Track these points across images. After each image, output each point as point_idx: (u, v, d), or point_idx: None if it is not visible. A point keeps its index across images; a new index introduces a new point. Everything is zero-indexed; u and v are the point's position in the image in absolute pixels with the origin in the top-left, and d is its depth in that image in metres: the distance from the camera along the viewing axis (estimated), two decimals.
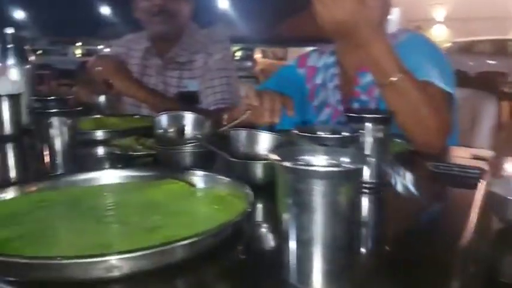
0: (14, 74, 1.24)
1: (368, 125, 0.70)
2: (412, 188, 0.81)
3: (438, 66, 1.10)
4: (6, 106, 1.15)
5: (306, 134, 0.55)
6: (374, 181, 0.72)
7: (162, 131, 0.84)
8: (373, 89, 1.16)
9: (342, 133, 0.56)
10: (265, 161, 0.71)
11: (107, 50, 1.80)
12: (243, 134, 0.75)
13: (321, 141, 0.54)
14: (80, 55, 21.02)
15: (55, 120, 0.76)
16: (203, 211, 0.63)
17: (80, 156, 0.87)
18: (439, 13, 10.10)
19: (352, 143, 0.55)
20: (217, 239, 0.49)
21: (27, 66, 1.28)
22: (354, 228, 0.40)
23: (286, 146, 0.69)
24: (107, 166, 0.93)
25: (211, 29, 1.67)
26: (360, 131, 0.57)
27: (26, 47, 1.30)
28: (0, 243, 0.48)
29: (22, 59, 1.26)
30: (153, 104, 1.43)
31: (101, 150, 1.08)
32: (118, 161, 0.98)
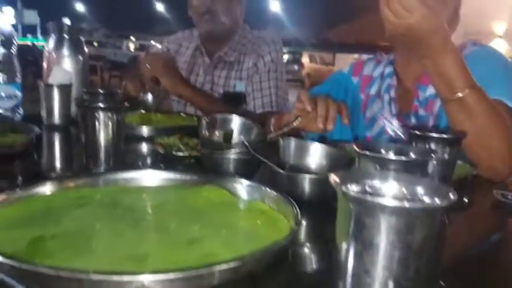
0: (68, 64, 1.26)
1: (435, 145, 0.63)
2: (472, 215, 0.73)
3: (510, 84, 1.00)
4: (56, 96, 1.16)
5: (368, 154, 0.49)
6: None
7: (208, 133, 0.80)
8: (433, 103, 1.08)
9: (411, 155, 0.50)
10: (315, 176, 0.65)
11: (159, 46, 1.80)
12: (292, 143, 0.70)
13: (385, 163, 0.47)
14: (133, 49, 21.79)
15: (101, 115, 0.75)
16: (245, 225, 0.58)
17: (124, 153, 0.85)
18: (499, 27, 9.57)
19: (422, 167, 0.48)
20: (261, 264, 0.44)
21: (81, 58, 1.29)
22: (423, 273, 0.33)
23: (342, 161, 0.63)
24: (149, 165, 0.91)
25: (264, 31, 1.64)
26: (433, 154, 0.50)
27: (82, 39, 1.31)
28: (32, 242, 0.46)
29: (77, 50, 1.28)
30: (199, 103, 1.41)
31: (144, 147, 1.07)
32: (160, 160, 0.96)
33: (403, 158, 0.46)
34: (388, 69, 1.18)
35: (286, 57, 19.78)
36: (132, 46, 22.96)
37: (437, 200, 0.32)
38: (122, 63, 12.97)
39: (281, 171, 0.68)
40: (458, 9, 1.10)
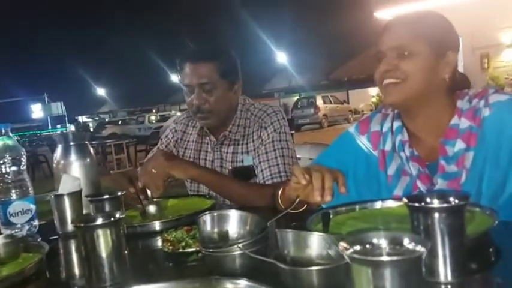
0: (76, 170, 1.29)
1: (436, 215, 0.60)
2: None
3: None
4: (67, 204, 1.19)
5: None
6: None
7: (206, 232, 0.79)
8: (464, 158, 1.01)
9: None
10: (320, 267, 0.62)
11: (178, 114, 1.83)
12: (290, 235, 0.67)
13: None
14: (154, 121, 22.68)
15: (99, 233, 0.75)
16: None
17: (128, 261, 0.84)
18: (507, 37, 9.48)
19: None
20: None
21: (88, 161, 1.33)
22: None
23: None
24: (155, 270, 0.90)
25: (265, 102, 1.66)
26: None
27: (86, 143, 1.36)
28: None
29: (83, 155, 1.32)
30: (212, 182, 1.41)
31: (151, 245, 1.06)
32: (168, 259, 0.94)
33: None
34: (397, 124, 1.13)
35: (300, 102, 20.06)
36: (153, 118, 23.92)
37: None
38: (146, 137, 13.44)
39: (284, 266, 0.65)
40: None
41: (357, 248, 0.45)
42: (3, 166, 1.21)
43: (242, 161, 1.54)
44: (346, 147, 1.22)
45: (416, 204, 0.61)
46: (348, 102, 22.54)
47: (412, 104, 1.06)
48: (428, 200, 0.64)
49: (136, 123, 23.35)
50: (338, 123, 18.91)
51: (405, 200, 0.62)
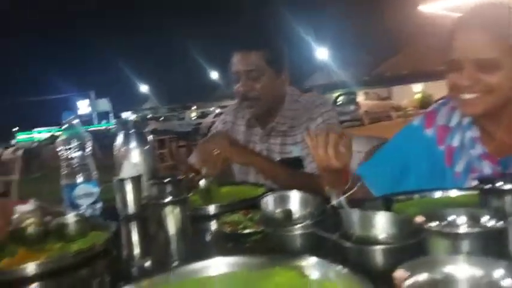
0: (136, 157, 1.36)
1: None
2: None
3: None
4: (129, 188, 1.25)
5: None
6: None
7: (269, 212, 0.81)
8: None
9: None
10: (384, 246, 0.63)
11: (216, 117, 1.89)
12: (355, 214, 0.68)
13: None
14: (195, 117, 23.12)
15: (166, 210, 0.79)
16: None
17: (192, 237, 0.88)
18: None
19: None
20: None
21: (146, 148, 1.39)
22: None
23: (408, 229, 0.60)
24: (217, 249, 0.93)
25: (313, 93, 1.67)
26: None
27: (145, 131, 1.42)
28: None
29: (142, 142, 1.38)
30: (268, 170, 1.44)
31: (210, 227, 1.10)
32: (229, 239, 0.97)
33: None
34: (467, 120, 1.08)
35: (341, 99, 19.74)
36: (193, 115, 24.39)
37: None
38: (187, 133, 13.75)
39: (349, 244, 0.66)
40: None
41: (437, 223, 0.45)
42: (69, 152, 1.30)
43: (291, 152, 1.55)
44: (410, 140, 1.18)
45: (489, 186, 0.60)
46: (391, 99, 21.97)
47: (496, 111, 1.01)
48: (499, 182, 0.63)
49: (177, 119, 23.90)
50: (380, 120, 18.48)
51: (478, 181, 0.61)
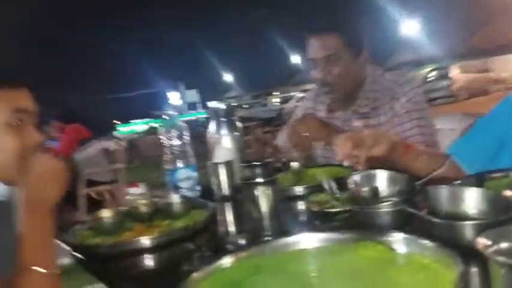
0: (227, 142, 1.47)
1: None
2: None
3: None
4: (223, 171, 1.36)
5: None
6: None
7: (356, 190, 0.84)
8: None
9: None
10: (474, 222, 0.63)
11: (298, 102, 1.92)
12: (443, 191, 0.69)
13: None
14: (277, 103, 23.33)
15: (258, 189, 0.86)
16: (406, 282, 0.59)
17: (282, 215, 0.95)
18: None
19: None
20: None
21: (236, 134, 1.49)
22: None
23: (500, 205, 0.59)
24: (306, 226, 0.99)
25: (396, 72, 1.62)
26: None
27: (234, 118, 1.52)
28: None
29: (232, 129, 1.48)
30: None
31: (299, 206, 1.16)
32: (316, 217, 1.03)
33: None
34: None
35: (432, 74, 18.41)
36: (275, 100, 24.61)
37: None
38: (270, 119, 13.97)
39: (438, 220, 0.67)
40: None
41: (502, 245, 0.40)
42: (170, 141, 1.44)
43: None
44: (508, 114, 1.13)
45: None
46: (489, 72, 19.94)
47: None
48: None
49: (260, 106, 24.31)
50: (475, 96, 16.90)
51: None
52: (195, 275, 0.65)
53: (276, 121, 11.28)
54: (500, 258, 0.32)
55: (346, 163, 1.00)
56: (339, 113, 1.63)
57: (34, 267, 0.78)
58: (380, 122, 1.52)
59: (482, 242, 0.35)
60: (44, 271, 0.78)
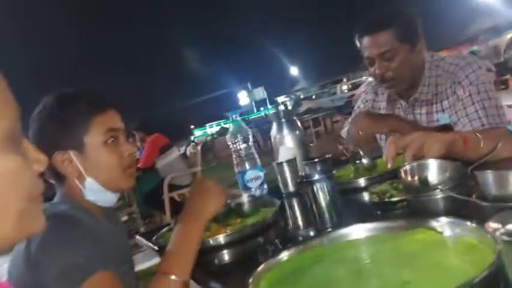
0: (289, 142, 1.55)
1: None
2: None
3: None
4: (287, 169, 1.45)
5: None
6: None
7: (408, 180, 0.88)
8: None
9: None
10: None
11: (368, 86, 1.92)
12: (490, 175, 0.71)
13: None
14: (346, 90, 22.79)
15: (317, 186, 0.94)
16: (454, 264, 0.63)
17: (344, 207, 1.02)
18: None
19: None
20: None
21: (298, 133, 1.57)
22: None
23: None
24: (366, 216, 1.04)
25: (457, 54, 1.56)
26: None
27: (295, 118, 1.60)
28: None
29: (293, 128, 1.57)
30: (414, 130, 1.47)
31: (360, 197, 1.22)
32: (376, 207, 1.08)
33: None
34: None
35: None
36: (345, 88, 24.04)
37: None
38: (340, 107, 13.71)
39: (486, 203, 0.70)
40: None
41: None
42: (237, 144, 1.57)
43: (438, 120, 1.52)
44: None
45: None
46: None
47: None
48: None
49: (329, 95, 23.90)
50: None
51: None
52: (261, 266, 0.75)
53: (345, 109, 11.07)
54: (506, 238, 0.37)
55: (389, 165, 1.03)
56: (400, 102, 1.63)
57: (172, 276, 0.87)
58: (444, 108, 1.50)
59: (492, 225, 0.40)
60: (178, 279, 0.88)
